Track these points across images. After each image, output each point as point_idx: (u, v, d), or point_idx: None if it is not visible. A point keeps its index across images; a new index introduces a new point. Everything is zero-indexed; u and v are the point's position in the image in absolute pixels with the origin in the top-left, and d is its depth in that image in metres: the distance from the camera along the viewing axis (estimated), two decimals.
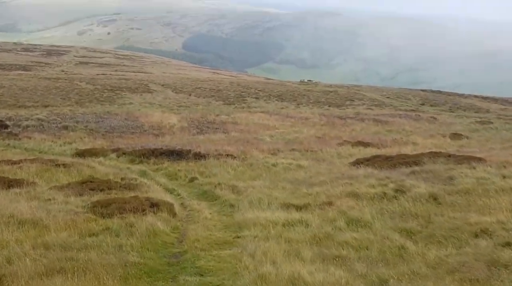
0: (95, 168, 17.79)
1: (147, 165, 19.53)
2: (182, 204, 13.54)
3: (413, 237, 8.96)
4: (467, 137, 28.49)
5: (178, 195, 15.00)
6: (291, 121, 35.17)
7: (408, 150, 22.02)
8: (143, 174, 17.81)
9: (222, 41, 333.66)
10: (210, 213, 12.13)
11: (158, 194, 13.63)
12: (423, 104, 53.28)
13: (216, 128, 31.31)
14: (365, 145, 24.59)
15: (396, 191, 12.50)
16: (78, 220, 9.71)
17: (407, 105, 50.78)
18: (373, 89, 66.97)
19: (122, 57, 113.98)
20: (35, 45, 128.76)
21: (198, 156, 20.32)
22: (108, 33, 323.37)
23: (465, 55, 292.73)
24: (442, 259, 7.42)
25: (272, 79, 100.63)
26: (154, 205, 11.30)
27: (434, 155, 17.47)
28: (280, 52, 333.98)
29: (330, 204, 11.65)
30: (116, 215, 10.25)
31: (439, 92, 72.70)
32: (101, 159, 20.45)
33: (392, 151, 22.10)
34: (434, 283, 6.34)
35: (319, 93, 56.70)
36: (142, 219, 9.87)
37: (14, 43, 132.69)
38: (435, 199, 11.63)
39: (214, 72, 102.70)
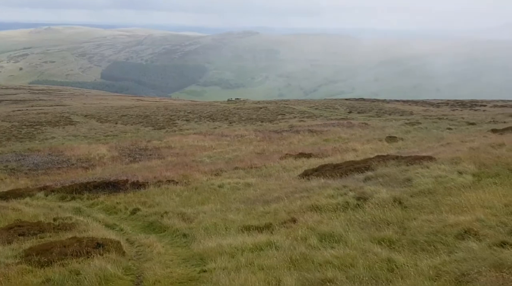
0: (21, 210, 15.87)
1: (80, 201, 17.79)
2: (128, 240, 12.12)
3: (395, 246, 8.23)
4: (402, 139, 28.82)
5: (121, 230, 13.53)
6: (227, 140, 34.23)
7: (351, 157, 21.71)
8: (78, 211, 16.12)
9: (142, 68, 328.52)
10: (163, 246, 10.85)
11: (99, 232, 12.15)
12: (350, 112, 54.25)
13: (150, 155, 29.75)
14: (307, 156, 24.09)
15: (358, 198, 11.87)
16: (10, 273, 8.15)
17: (336, 115, 51.48)
18: (301, 102, 67.69)
19: (38, 91, 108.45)
20: None
21: (137, 185, 18.84)
22: (20, 69, 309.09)
23: (376, 64, 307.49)
24: (439, 269, 6.71)
25: (198, 101, 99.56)
26: (99, 245, 9.87)
27: (381, 159, 17.16)
28: (203, 75, 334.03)
29: (293, 220, 10.77)
30: (56, 262, 8.77)
31: (363, 99, 74.88)
32: (27, 199, 18.40)
33: (335, 159, 21.71)
34: None
35: (249, 110, 56.29)
36: (88, 264, 8.47)
37: None
38: (399, 202, 11.09)
39: (138, 99, 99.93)
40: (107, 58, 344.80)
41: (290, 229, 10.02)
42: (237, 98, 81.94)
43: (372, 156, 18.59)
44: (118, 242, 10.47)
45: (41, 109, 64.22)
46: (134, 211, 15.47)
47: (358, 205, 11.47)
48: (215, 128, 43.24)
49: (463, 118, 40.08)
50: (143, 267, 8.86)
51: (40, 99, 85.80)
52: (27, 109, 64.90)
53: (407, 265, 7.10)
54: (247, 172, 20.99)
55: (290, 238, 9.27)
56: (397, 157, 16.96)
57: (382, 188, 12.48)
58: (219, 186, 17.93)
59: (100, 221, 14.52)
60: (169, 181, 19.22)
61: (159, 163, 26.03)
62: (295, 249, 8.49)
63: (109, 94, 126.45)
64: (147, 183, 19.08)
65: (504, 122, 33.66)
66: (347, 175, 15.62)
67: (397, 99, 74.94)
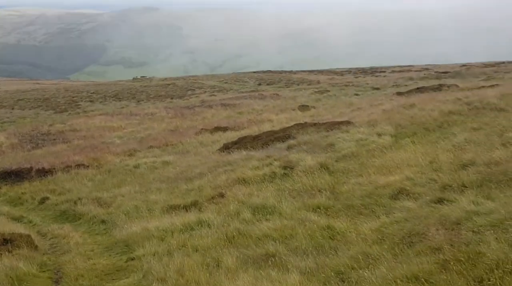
0: None
1: None
2: (39, 232, 10.96)
3: (331, 213, 8.00)
4: (314, 107, 29.15)
5: (30, 222, 12.27)
6: (136, 119, 32.72)
7: (268, 127, 21.50)
8: None
9: (36, 50, 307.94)
10: (80, 236, 9.89)
11: (4, 226, 10.82)
12: (260, 84, 54.37)
13: (54, 139, 27.64)
14: (223, 129, 23.54)
15: (285, 168, 11.59)
16: None
17: (246, 88, 51.31)
18: (210, 77, 66.84)
19: None
20: None
21: (43, 173, 17.27)
22: None
23: (278, 38, 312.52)
24: (382, 231, 6.53)
25: (101, 81, 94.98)
26: (7, 241, 8.73)
27: (300, 127, 17.06)
28: (103, 54, 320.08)
29: (221, 195, 10.25)
30: None
31: (270, 71, 75.54)
32: None
33: (252, 130, 21.36)
34: (406, 263, 5.32)
35: (157, 87, 54.51)
36: None
37: None
38: (326, 168, 10.97)
39: (35, 83, 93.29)
40: None
41: (220, 204, 9.50)
42: (143, 76, 79.20)
43: (289, 125, 18.44)
44: (29, 236, 9.33)
45: None
46: (42, 200, 14.14)
47: (286, 174, 11.20)
48: (123, 107, 41.32)
49: (367, 84, 41.51)
50: (61, 261, 7.92)
51: None
52: None
53: (349, 231, 6.88)
54: (163, 150, 20.07)
55: (221, 214, 8.74)
56: (315, 124, 16.94)
57: (307, 155, 12.29)
58: (135, 167, 16.92)
59: (4, 214, 13.07)
60: (78, 166, 17.84)
61: (65, 147, 24.21)
62: (229, 225, 7.99)
63: (1, 79, 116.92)
64: (54, 169, 17.55)
65: (406, 85, 35.26)
66: (268, 145, 15.31)
67: (303, 70, 76.40)
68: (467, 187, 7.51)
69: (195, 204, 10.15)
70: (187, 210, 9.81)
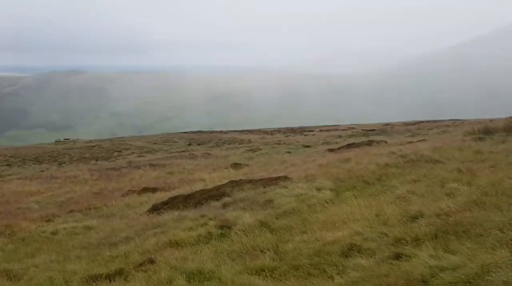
0: None
1: None
2: None
3: (276, 275, 7.10)
4: (247, 165, 28.61)
5: None
6: (57, 182, 30.56)
7: (200, 186, 20.49)
8: None
9: None
10: None
11: None
12: (190, 144, 53.57)
13: None
14: (152, 190, 22.26)
15: (221, 227, 10.63)
16: None
17: (176, 148, 50.26)
18: (138, 138, 65.20)
19: None
20: None
21: None
22: None
23: (207, 100, 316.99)
24: None
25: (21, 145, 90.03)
26: None
27: (235, 184, 16.24)
28: (25, 118, 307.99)
29: (151, 261, 9.05)
30: None
31: (201, 132, 75.15)
32: None
33: (184, 190, 20.28)
34: None
35: (81, 149, 52.15)
36: None
37: None
38: (267, 226, 10.13)
39: None
40: None
41: (149, 271, 8.31)
42: (66, 139, 75.96)
43: (223, 183, 17.58)
44: None
45: None
46: None
47: (223, 234, 10.23)
48: (43, 171, 38.78)
49: (298, 142, 41.85)
50: None
51: None
52: None
53: None
54: (86, 214, 18.43)
55: (151, 283, 7.58)
56: (251, 181, 16.20)
57: (244, 213, 11.43)
58: (52, 233, 15.22)
59: None
60: None
61: None
62: None
63: None
64: None
65: (336, 142, 35.78)
66: (202, 204, 14.31)
67: (233, 129, 76.65)
68: (421, 240, 6.93)
69: (120, 273, 8.88)
70: (111, 280, 8.54)
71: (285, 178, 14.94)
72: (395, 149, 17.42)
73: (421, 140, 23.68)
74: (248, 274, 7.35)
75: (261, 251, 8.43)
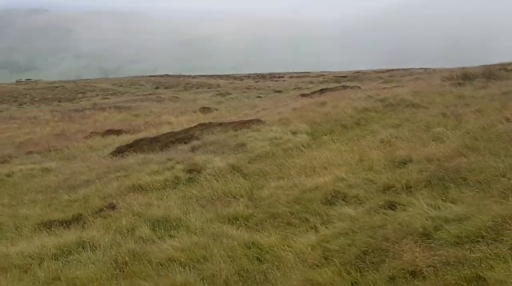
0: None
1: None
2: None
3: (251, 224, 6.40)
4: (216, 109, 27.59)
5: None
6: (17, 123, 28.96)
7: (167, 129, 19.50)
8: None
9: None
10: None
11: None
12: (157, 87, 51.87)
13: None
14: (117, 132, 21.16)
15: (190, 171, 9.82)
16: None
17: (143, 91, 48.56)
18: (103, 80, 62.93)
19: None
20: None
21: None
22: None
23: (175, 44, 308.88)
24: (326, 248, 5.02)
25: None
26: None
27: (204, 127, 15.35)
28: None
29: (112, 207, 8.22)
30: None
31: (168, 75, 73.08)
32: None
33: (150, 133, 19.28)
34: None
35: (43, 90, 49.90)
36: None
37: None
38: (239, 170, 9.38)
39: None
40: None
41: (109, 218, 7.48)
42: (28, 79, 72.83)
43: (192, 125, 16.67)
44: None
45: None
46: None
47: (191, 178, 9.44)
48: (1, 111, 36.87)
49: (269, 87, 40.85)
50: None
51: None
52: None
53: (280, 248, 5.28)
54: (45, 155, 17.32)
55: (110, 231, 6.75)
56: (221, 124, 15.32)
57: (215, 156, 10.63)
58: (7, 175, 14.13)
59: None
60: None
61: None
62: (120, 246, 6.05)
63: None
64: None
65: (307, 88, 34.92)
66: (168, 147, 13.42)
67: (202, 74, 74.84)
68: (414, 187, 6.28)
69: (77, 219, 8.04)
70: (66, 227, 7.70)
71: (258, 121, 14.11)
72: (372, 93, 16.73)
73: (396, 86, 23.08)
74: (220, 222, 6.62)
75: (234, 197, 7.70)
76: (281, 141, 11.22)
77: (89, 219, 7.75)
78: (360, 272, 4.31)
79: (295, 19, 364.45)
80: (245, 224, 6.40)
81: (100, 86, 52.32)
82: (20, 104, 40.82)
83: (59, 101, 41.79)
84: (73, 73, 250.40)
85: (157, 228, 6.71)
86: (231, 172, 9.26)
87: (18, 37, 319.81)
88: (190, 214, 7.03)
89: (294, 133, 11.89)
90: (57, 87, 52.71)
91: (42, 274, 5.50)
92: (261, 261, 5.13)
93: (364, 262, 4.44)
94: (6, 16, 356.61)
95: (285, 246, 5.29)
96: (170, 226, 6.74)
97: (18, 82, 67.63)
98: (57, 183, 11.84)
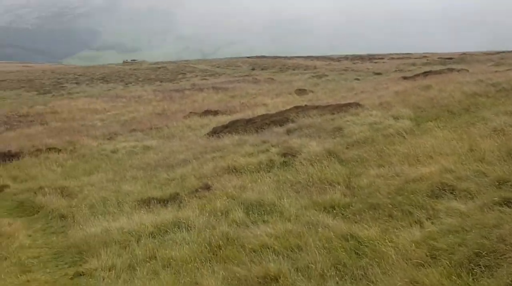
0: None
1: None
2: None
3: (349, 214, 6.06)
4: (312, 91, 27.17)
5: None
6: (122, 101, 30.60)
7: (262, 111, 19.48)
8: None
9: (28, 33, 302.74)
10: (30, 235, 7.92)
11: None
12: (253, 69, 52.25)
13: (31, 121, 25.49)
14: (214, 113, 21.57)
15: (284, 155, 9.64)
16: None
17: (240, 72, 49.17)
18: (202, 61, 64.64)
19: None
20: None
21: (8, 156, 15.24)
22: None
23: (272, 25, 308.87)
24: (432, 246, 4.56)
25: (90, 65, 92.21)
26: None
27: (300, 109, 15.10)
28: (96, 38, 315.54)
29: (207, 187, 8.28)
30: None
31: (264, 57, 73.30)
32: None
33: (246, 114, 19.36)
34: None
35: (147, 70, 52.26)
36: None
37: None
38: (336, 156, 9.01)
39: (24, 66, 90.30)
40: None
41: (204, 199, 7.53)
42: (134, 60, 76.74)
43: (288, 108, 16.47)
44: None
45: None
46: (1, 188, 12.13)
47: (286, 162, 9.25)
48: (109, 90, 39.13)
49: (368, 69, 39.53)
50: None
51: None
52: None
53: (380, 243, 4.91)
54: (146, 133, 18.08)
55: (205, 212, 6.77)
56: (317, 107, 14.98)
57: (310, 140, 10.35)
58: (112, 151, 14.95)
59: None
60: (50, 149, 15.82)
61: (41, 130, 22.08)
62: (214, 228, 6.03)
63: None
64: (22, 152, 15.56)
65: (409, 70, 33.30)
66: (263, 129, 13.35)
67: (298, 55, 74.29)
68: None
69: (174, 198, 8.20)
70: (164, 205, 7.88)
71: (356, 104, 13.57)
72: (482, 77, 15.43)
73: (510, 69, 21.20)
74: (315, 210, 6.35)
75: (330, 184, 7.38)
76: (381, 126, 10.67)
77: (185, 198, 7.85)
78: (472, 276, 3.85)
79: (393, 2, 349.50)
80: (342, 214, 6.09)
81: (199, 67, 53.78)
82: (126, 84, 43.08)
83: (161, 81, 43.55)
84: (174, 55, 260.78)
85: (250, 212, 6.61)
86: (328, 157, 8.93)
87: (126, 20, 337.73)
88: (285, 200, 6.84)
89: (396, 118, 11.26)
90: (159, 68, 54.98)
91: (140, 252, 5.61)
92: (360, 255, 4.81)
93: (477, 265, 3.96)
94: (115, 0, 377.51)
95: (386, 240, 4.92)
96: (264, 211, 6.61)
97: (125, 63, 71.52)
98: (157, 161, 12.24)
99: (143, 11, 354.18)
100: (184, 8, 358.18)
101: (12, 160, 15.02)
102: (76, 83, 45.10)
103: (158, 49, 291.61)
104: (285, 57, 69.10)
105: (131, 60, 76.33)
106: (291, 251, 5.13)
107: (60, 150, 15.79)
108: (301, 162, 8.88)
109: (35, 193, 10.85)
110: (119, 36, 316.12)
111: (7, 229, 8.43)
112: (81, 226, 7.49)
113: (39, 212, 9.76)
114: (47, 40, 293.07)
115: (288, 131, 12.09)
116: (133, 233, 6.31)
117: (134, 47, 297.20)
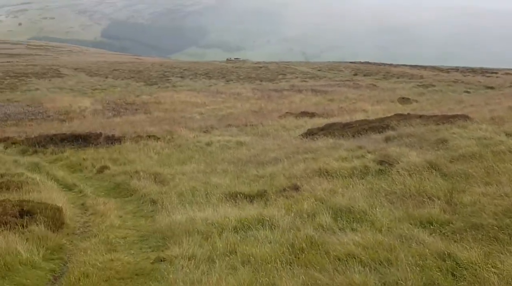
0: None
1: (42, 155, 15.05)
2: (83, 204, 9.47)
3: (447, 232, 5.52)
4: (416, 101, 25.95)
5: (80, 192, 10.86)
6: (222, 97, 31.28)
7: (361, 117, 18.87)
8: (35, 167, 13.38)
9: (143, 28, 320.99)
10: (121, 216, 8.17)
11: (45, 193, 9.38)
12: (356, 74, 51.09)
13: (136, 109, 26.87)
14: (310, 115, 21.27)
15: (381, 162, 9.11)
16: None
17: (341, 76, 48.34)
18: (304, 64, 64.47)
19: (35, 47, 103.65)
20: None
21: (111, 140, 16.05)
22: (20, 24, 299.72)
23: (377, 31, 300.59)
24: None
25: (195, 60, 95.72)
26: (26, 213, 7.15)
27: (402, 117, 14.36)
28: (204, 37, 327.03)
29: (295, 188, 8.03)
30: None
31: (368, 63, 71.56)
32: None
33: (343, 119, 18.86)
34: None
35: (248, 69, 53.10)
36: None
37: None
38: (438, 169, 8.34)
39: (136, 58, 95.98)
40: (108, 16, 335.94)
41: (291, 199, 7.28)
42: (237, 58, 78.48)
43: (389, 115, 15.76)
44: (59, 209, 7.72)
45: (31, 61, 60.95)
46: (101, 169, 12.76)
47: (382, 170, 8.73)
48: (211, 85, 40.22)
49: (479, 82, 37.08)
50: (78, 249, 6.13)
51: (36, 55, 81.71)
52: (17, 61, 61.73)
53: (481, 267, 4.37)
54: (241, 129, 18.21)
55: (291, 213, 6.52)
56: (421, 116, 14.15)
57: (410, 150, 9.71)
58: (207, 144, 15.18)
59: (58, 180, 11.88)
60: (149, 137, 16.44)
61: (144, 118, 23.18)
62: (299, 230, 5.76)
63: (108, 52, 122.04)
64: (124, 137, 16.31)
65: None
66: (361, 134, 12.83)
67: (403, 64, 71.67)
68: None
69: (261, 195, 8.04)
70: (250, 201, 7.74)
71: (464, 117, 12.60)
72: None
73: None
74: (410, 224, 5.86)
75: (429, 198, 6.81)
76: (491, 142, 9.75)
77: (272, 197, 7.66)
78: None
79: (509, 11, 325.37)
80: (440, 231, 5.55)
81: (300, 69, 53.67)
82: (227, 81, 44.05)
83: (261, 80, 43.99)
84: (276, 56, 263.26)
85: (339, 218, 6.26)
86: (428, 169, 8.29)
87: (232, 19, 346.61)
88: (377, 209, 6.41)
89: (508, 135, 10.26)
90: (261, 67, 55.63)
91: (220, 245, 5.49)
92: (457, 277, 4.31)
93: None
94: (225, 0, 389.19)
95: (489, 265, 4.37)
96: (353, 218, 6.23)
97: (228, 60, 73.31)
98: (248, 157, 12.20)
99: (250, 11, 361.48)
100: (290, 10, 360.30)
101: (114, 143, 15.79)
102: (181, 77, 46.88)
103: (261, 50, 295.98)
104: (390, 65, 66.94)
105: (234, 59, 78.13)
106: (380, 264, 4.73)
107: (158, 138, 16.35)
108: (398, 172, 8.33)
109: (131, 176, 11.24)
110: (225, 35, 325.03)
111: (101, 208, 8.79)
112: (168, 213, 7.58)
113: (132, 195, 10.09)
114: (159, 35, 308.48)
115: (387, 139, 11.49)
116: (216, 225, 6.22)
117: (238, 46, 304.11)
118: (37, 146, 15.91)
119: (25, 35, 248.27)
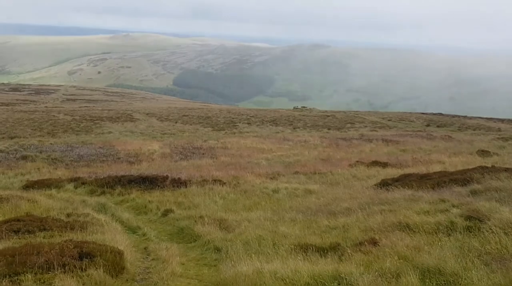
0: (38, 202, 13.33)
1: (110, 196, 15.14)
2: (145, 249, 9.15)
3: None
4: (497, 154, 24.25)
5: (144, 235, 10.61)
6: (288, 144, 30.89)
7: (438, 168, 17.73)
8: (102, 207, 13.39)
9: (212, 76, 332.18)
10: (183, 264, 7.72)
11: (109, 235, 9.16)
12: (428, 125, 49.28)
13: (203, 154, 26.94)
14: (383, 165, 20.31)
15: (469, 218, 8.14)
16: None
17: (412, 127, 46.79)
18: (373, 113, 63.28)
19: (112, 93, 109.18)
20: (24, 85, 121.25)
21: (177, 183, 15.93)
22: (99, 72, 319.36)
23: (451, 83, 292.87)
24: None
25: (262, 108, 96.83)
26: (86, 256, 6.84)
27: (486, 170, 13.19)
28: (271, 85, 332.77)
29: (373, 242, 7.25)
30: (6, 276, 5.79)
31: (441, 114, 69.14)
32: (53, 191, 16.04)
33: (418, 170, 17.77)
34: None
35: (315, 117, 52.72)
36: (49, 284, 5.41)
37: (2, 83, 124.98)
38: None
39: (205, 105, 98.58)
40: (180, 66, 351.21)
41: (370, 255, 6.53)
42: (304, 107, 78.57)
43: (471, 167, 14.60)
44: (120, 253, 7.38)
45: (106, 107, 63.93)
46: (166, 212, 12.55)
47: (470, 227, 7.77)
48: (277, 132, 40.05)
49: None
50: None
51: (112, 101, 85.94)
52: (93, 106, 64.92)
53: None
54: (309, 177, 17.58)
55: (371, 271, 5.77)
56: (507, 169, 12.94)
57: (502, 206, 8.67)
58: (274, 191, 14.67)
59: (123, 222, 11.76)
60: (215, 181, 16.18)
61: (210, 162, 23.10)
62: None
63: (179, 100, 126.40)
64: (190, 181, 16.16)
65: None
66: (441, 187, 11.82)
67: (479, 116, 68.64)
68: None
69: (335, 248, 7.33)
70: (322, 255, 7.06)
71: None
72: None
73: None
74: None
75: None
76: None
77: (348, 251, 6.93)
78: None
79: None
80: None
81: (369, 119, 52.61)
82: (294, 128, 43.78)
83: (329, 128, 43.37)
84: (343, 106, 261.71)
85: (427, 280, 5.46)
86: None
87: (299, 70, 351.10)
88: (472, 271, 5.54)
89: None
90: (328, 116, 55.12)
91: None
92: None
93: None
94: (292, 51, 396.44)
95: None
96: (444, 281, 5.41)
97: (295, 109, 73.42)
98: (318, 206, 11.53)
99: (317, 62, 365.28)
100: (358, 61, 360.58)
101: (180, 186, 15.66)
102: (248, 123, 47.19)
103: (328, 99, 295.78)
104: (465, 117, 64.25)
105: (301, 107, 78.21)
106: None
107: (224, 183, 16.05)
108: (491, 229, 7.36)
109: (195, 221, 10.89)
110: (292, 85, 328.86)
111: (164, 253, 8.40)
112: (233, 262, 7.03)
113: (196, 240, 9.69)
114: (227, 84, 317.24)
115: (472, 193, 10.45)
116: (287, 280, 5.59)
117: (304, 95, 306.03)
118: (105, 187, 16.07)
119: (103, 83, 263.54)
